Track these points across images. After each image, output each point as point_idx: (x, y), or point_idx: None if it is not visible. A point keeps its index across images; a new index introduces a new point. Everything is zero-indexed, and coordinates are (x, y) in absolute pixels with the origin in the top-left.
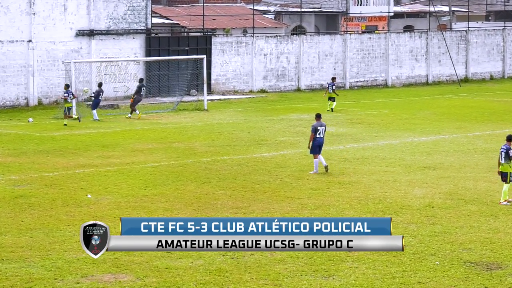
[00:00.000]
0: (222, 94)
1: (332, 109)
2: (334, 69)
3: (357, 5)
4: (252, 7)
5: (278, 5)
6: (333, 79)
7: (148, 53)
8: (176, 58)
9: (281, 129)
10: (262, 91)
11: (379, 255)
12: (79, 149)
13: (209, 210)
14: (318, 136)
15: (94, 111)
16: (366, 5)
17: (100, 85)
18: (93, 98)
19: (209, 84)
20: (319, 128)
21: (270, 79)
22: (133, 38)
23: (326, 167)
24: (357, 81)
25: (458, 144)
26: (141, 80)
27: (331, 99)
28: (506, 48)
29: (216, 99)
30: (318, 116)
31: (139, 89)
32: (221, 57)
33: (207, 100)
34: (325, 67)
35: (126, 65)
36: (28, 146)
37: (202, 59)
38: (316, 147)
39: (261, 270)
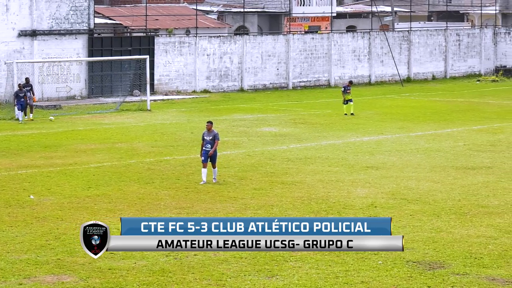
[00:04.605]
0: (165, 95)
1: (352, 113)
2: (277, 69)
3: (300, 6)
4: (195, 8)
5: (221, 6)
6: (351, 82)
7: (90, 53)
8: (119, 59)
9: (224, 129)
10: (205, 91)
11: (322, 255)
12: (21, 150)
13: (152, 210)
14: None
15: (20, 112)
16: (309, 5)
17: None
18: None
19: (152, 85)
20: (206, 137)
21: (213, 79)
22: (76, 38)
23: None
24: (300, 81)
25: (400, 144)
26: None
27: (349, 101)
28: (448, 48)
29: (159, 100)
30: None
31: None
32: (164, 57)
33: (150, 100)
34: (268, 67)
35: (68, 65)
36: None
37: (145, 60)
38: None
39: (204, 271)
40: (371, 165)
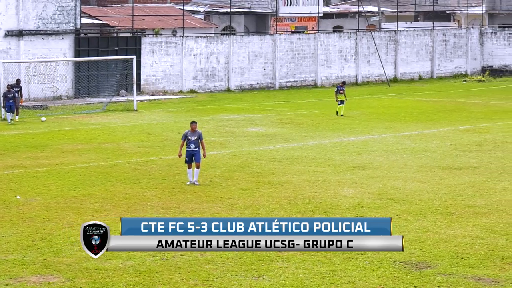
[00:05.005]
0: (152, 95)
1: (341, 114)
2: (264, 69)
3: (287, 6)
4: (181, 8)
5: (208, 6)
6: (344, 82)
7: (77, 53)
8: (105, 59)
9: (210, 129)
10: (192, 91)
11: (308, 255)
12: (7, 150)
13: (139, 211)
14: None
15: (9, 114)
16: (296, 5)
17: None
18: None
19: (138, 85)
20: (190, 137)
21: (200, 79)
22: (62, 38)
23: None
24: (286, 81)
25: (387, 144)
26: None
27: (342, 102)
28: (434, 48)
29: (145, 100)
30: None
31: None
32: (150, 57)
33: (137, 100)
34: (255, 67)
35: (55, 65)
36: None
37: (131, 60)
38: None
39: (191, 271)
40: (358, 165)
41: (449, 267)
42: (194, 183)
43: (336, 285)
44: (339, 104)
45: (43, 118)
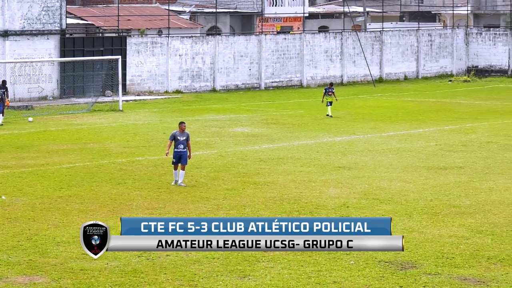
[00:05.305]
0: (137, 95)
1: (329, 114)
2: (250, 69)
3: (272, 6)
4: (167, 8)
5: (193, 6)
6: (331, 84)
7: (62, 53)
8: (91, 59)
9: (196, 129)
10: (178, 91)
11: (294, 255)
12: None
13: (124, 211)
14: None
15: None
16: (281, 5)
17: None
18: None
19: (124, 85)
20: (179, 137)
21: (185, 79)
22: (48, 38)
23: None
24: (272, 82)
25: (372, 144)
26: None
27: (330, 103)
28: (420, 48)
29: (131, 100)
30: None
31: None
32: (136, 57)
33: (122, 101)
34: (241, 67)
35: (40, 65)
36: None
37: (117, 60)
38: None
39: (176, 271)
40: (343, 165)
41: (434, 267)
42: (180, 184)
43: (321, 285)
44: (327, 105)
45: (30, 119)
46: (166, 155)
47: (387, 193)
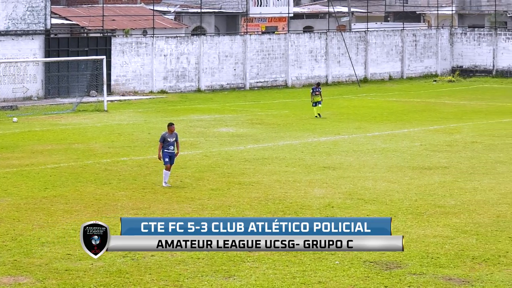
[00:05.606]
0: (122, 95)
1: (318, 114)
2: (234, 69)
3: (257, 6)
4: (152, 8)
5: (178, 6)
6: (318, 84)
7: (47, 53)
8: (75, 59)
9: (181, 129)
10: (162, 91)
11: (279, 255)
12: None
13: (109, 211)
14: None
15: None
16: (266, 6)
17: None
18: None
19: (108, 85)
20: (168, 139)
21: (170, 79)
22: (32, 38)
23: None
24: (257, 82)
25: (357, 144)
26: None
27: (318, 103)
28: (404, 48)
29: (116, 100)
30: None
31: None
32: (121, 57)
33: (107, 101)
34: (225, 67)
35: (25, 66)
36: None
37: (101, 60)
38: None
39: (161, 271)
40: (328, 165)
41: (419, 267)
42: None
43: (306, 285)
44: (313, 106)
45: (15, 119)
46: (159, 158)
47: (372, 193)
